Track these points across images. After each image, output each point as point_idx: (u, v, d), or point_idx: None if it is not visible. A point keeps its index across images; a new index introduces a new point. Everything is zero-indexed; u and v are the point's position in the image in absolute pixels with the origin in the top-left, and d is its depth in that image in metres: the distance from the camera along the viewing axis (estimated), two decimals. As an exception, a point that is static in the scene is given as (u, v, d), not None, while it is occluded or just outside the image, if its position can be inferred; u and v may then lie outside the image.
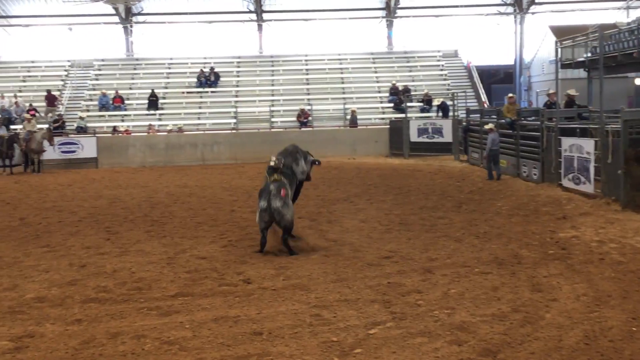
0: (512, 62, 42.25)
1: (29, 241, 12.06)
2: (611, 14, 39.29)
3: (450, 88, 34.20)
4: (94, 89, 35.45)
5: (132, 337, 6.75)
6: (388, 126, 30.71)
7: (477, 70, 37.10)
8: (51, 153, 27.29)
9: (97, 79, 36.69)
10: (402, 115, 30.59)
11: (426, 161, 26.22)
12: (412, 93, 34.20)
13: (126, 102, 34.47)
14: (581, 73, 30.31)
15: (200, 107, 34.67)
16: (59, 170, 27.12)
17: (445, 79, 36.51)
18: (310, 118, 32.43)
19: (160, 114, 33.86)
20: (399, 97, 33.45)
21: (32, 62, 38.32)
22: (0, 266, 10.02)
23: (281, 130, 31.39)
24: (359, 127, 31.59)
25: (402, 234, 11.79)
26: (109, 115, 33.56)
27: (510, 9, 41.41)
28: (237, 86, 36.47)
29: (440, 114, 31.22)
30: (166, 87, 36.05)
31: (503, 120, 20.76)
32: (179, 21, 40.50)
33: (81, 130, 30.78)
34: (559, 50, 22.99)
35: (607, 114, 15.66)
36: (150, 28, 40.96)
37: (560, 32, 32.35)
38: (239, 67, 38.11)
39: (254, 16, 40.47)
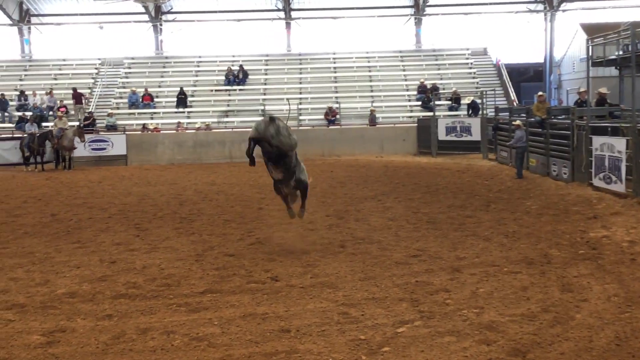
0: (542, 60, 41.78)
1: (60, 237, 12.21)
2: (643, 11, 38.70)
3: (479, 86, 33.91)
4: (124, 87, 35.72)
5: (162, 332, 6.81)
6: (416, 124, 30.61)
7: (506, 69, 36.72)
8: (82, 150, 27.62)
9: (127, 77, 36.97)
10: (430, 113, 30.46)
11: (454, 160, 26.08)
12: (441, 91, 34.02)
13: (155, 100, 34.70)
14: (612, 71, 29.89)
15: (228, 105, 34.78)
16: (89, 167, 27.43)
17: (474, 77, 36.22)
18: (338, 116, 32.39)
19: (189, 112, 34.04)
20: (427, 95, 33.29)
21: (64, 60, 38.73)
22: (33, 262, 10.17)
23: (309, 128, 31.41)
24: (386, 125, 31.46)
25: (430, 233, 11.75)
26: (139, 113, 33.81)
27: (540, 7, 40.96)
28: (265, 84, 36.54)
29: (471, 112, 30.98)
30: (195, 85, 36.23)
31: (533, 119, 20.59)
32: (207, 19, 40.67)
33: (110, 127, 31.07)
34: (590, 48, 22.70)
35: (639, 113, 15.44)
36: (179, 26, 41.18)
37: (591, 30, 31.95)
38: (267, 65, 38.16)
39: (282, 14, 40.50)
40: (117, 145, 28.69)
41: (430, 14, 40.83)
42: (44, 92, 33.91)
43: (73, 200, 17.51)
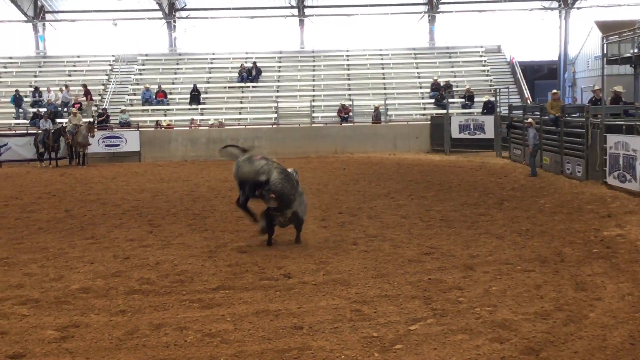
0: (556, 58, 41.57)
1: (74, 233, 12.28)
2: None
3: (493, 84, 33.80)
4: (138, 84, 35.87)
5: (175, 328, 6.83)
6: (429, 122, 30.55)
7: (520, 66, 36.59)
8: (95, 146, 27.77)
9: (140, 74, 37.13)
10: (444, 111, 30.39)
11: (467, 157, 26.01)
12: (454, 89, 33.93)
13: (169, 96, 34.82)
14: (627, 69, 29.74)
15: (241, 102, 34.85)
16: (103, 163, 27.57)
17: (487, 75, 36.12)
18: (351, 113, 32.38)
19: (202, 109, 34.13)
20: (440, 92, 33.22)
21: (78, 56, 38.95)
22: (47, 257, 10.23)
23: (322, 125, 31.42)
24: (399, 123, 31.41)
25: (443, 231, 11.72)
26: (152, 110, 33.94)
27: (555, 4, 40.74)
28: (279, 81, 36.58)
29: (486, 111, 30.83)
30: (208, 82, 36.32)
31: (547, 117, 20.50)
32: (221, 16, 40.73)
33: (124, 124, 31.20)
34: (605, 45, 22.58)
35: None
36: (193, 23, 41.26)
37: (606, 28, 31.76)
38: (280, 62, 38.21)
39: (295, 11, 40.50)
40: (130, 141, 28.83)
41: (444, 12, 40.72)
42: (58, 88, 34.10)
43: (87, 196, 17.60)
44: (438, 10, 40.46)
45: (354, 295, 7.89)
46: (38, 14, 40.91)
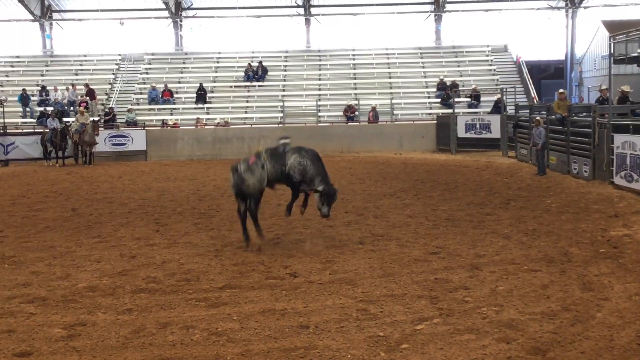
0: (562, 57, 41.46)
1: (81, 231, 12.31)
2: (667, 8, 38.33)
3: (499, 83, 33.71)
4: (144, 83, 35.93)
5: (181, 327, 6.85)
6: (435, 122, 30.51)
7: (526, 66, 36.49)
8: (102, 145, 27.83)
9: (147, 73, 37.18)
10: (450, 110, 30.34)
11: (473, 157, 25.97)
12: (460, 88, 33.88)
13: (175, 95, 34.85)
14: (634, 69, 29.60)
15: (247, 101, 34.87)
16: (110, 162, 27.63)
17: (494, 74, 36.05)
18: (357, 113, 32.36)
19: (208, 108, 34.16)
20: (446, 92, 33.17)
21: (84, 56, 39.03)
22: (54, 256, 10.25)
23: (328, 124, 31.41)
24: (405, 122, 31.37)
25: (449, 230, 11.71)
26: (158, 109, 33.99)
27: (561, 4, 40.62)
28: (285, 80, 36.59)
29: (494, 110, 30.77)
30: (214, 81, 36.34)
31: (553, 116, 20.45)
32: (227, 16, 40.76)
33: (130, 123, 31.26)
34: (612, 45, 22.49)
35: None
36: (199, 22, 41.31)
37: (613, 27, 31.61)
38: (286, 61, 38.21)
39: (301, 11, 40.49)
40: (136, 140, 28.89)
41: (450, 11, 40.65)
42: (64, 87, 34.18)
43: (93, 195, 17.64)
44: (444, 9, 40.40)
45: (360, 294, 7.89)
46: (45, 13, 41.02)
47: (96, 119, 29.64)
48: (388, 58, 38.00)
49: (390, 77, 36.33)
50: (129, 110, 32.32)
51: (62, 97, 33.31)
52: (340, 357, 6.04)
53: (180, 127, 31.37)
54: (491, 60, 37.37)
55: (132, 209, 14.89)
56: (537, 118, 20.37)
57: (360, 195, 16.32)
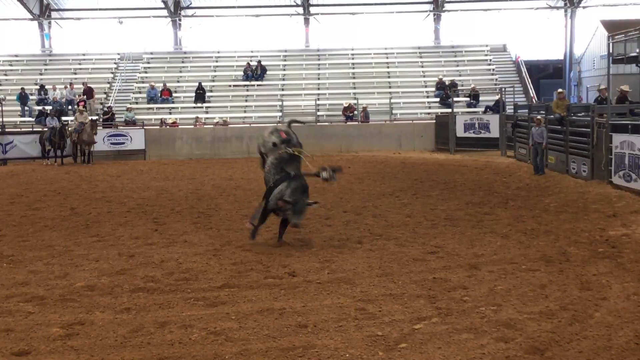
0: (561, 57, 41.50)
1: (79, 231, 12.30)
2: (665, 8, 38.34)
3: (498, 83, 33.73)
4: (143, 82, 35.93)
5: (180, 326, 6.84)
6: (434, 121, 30.52)
7: (525, 65, 36.53)
8: (101, 144, 27.84)
9: (145, 72, 37.17)
10: (449, 110, 30.35)
11: (472, 157, 25.98)
12: (459, 88, 33.89)
13: (174, 95, 34.85)
14: (633, 68, 29.58)
15: (246, 100, 34.86)
16: (108, 161, 27.64)
17: (493, 74, 36.07)
18: (355, 112, 32.35)
19: (207, 107, 34.16)
20: (445, 91, 33.18)
21: (83, 55, 38.99)
22: (52, 255, 10.24)
23: (327, 124, 31.41)
24: (404, 122, 31.38)
25: (447, 230, 11.71)
26: (157, 108, 33.98)
27: (560, 3, 40.65)
28: (284, 80, 36.59)
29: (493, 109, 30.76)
30: (213, 80, 36.34)
31: (552, 116, 20.46)
32: (226, 15, 40.76)
33: (129, 122, 31.25)
34: (611, 45, 22.50)
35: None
36: (198, 21, 41.30)
37: (612, 27, 31.61)
38: (285, 60, 38.21)
39: (300, 10, 40.51)
40: (135, 139, 28.90)
41: (449, 10, 40.68)
42: (63, 86, 34.17)
43: (92, 194, 17.64)
44: (443, 9, 40.43)
45: (359, 293, 7.89)
46: (44, 12, 41.00)
47: (94, 118, 29.61)
48: (387, 57, 38.02)
49: (389, 77, 36.35)
50: (128, 110, 32.33)
51: (60, 96, 33.28)
52: (339, 356, 6.03)
53: (179, 127, 31.37)
54: (490, 60, 37.39)
55: (130, 208, 14.88)
56: (539, 117, 20.36)
57: (359, 195, 16.32)
